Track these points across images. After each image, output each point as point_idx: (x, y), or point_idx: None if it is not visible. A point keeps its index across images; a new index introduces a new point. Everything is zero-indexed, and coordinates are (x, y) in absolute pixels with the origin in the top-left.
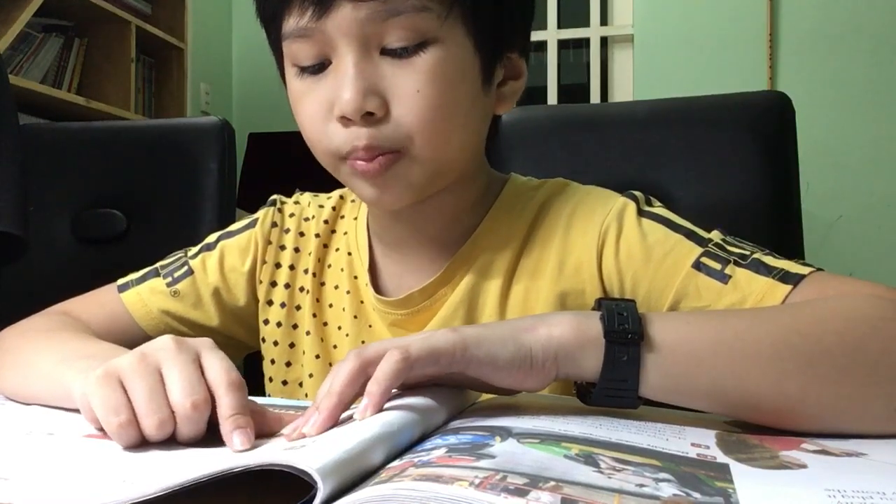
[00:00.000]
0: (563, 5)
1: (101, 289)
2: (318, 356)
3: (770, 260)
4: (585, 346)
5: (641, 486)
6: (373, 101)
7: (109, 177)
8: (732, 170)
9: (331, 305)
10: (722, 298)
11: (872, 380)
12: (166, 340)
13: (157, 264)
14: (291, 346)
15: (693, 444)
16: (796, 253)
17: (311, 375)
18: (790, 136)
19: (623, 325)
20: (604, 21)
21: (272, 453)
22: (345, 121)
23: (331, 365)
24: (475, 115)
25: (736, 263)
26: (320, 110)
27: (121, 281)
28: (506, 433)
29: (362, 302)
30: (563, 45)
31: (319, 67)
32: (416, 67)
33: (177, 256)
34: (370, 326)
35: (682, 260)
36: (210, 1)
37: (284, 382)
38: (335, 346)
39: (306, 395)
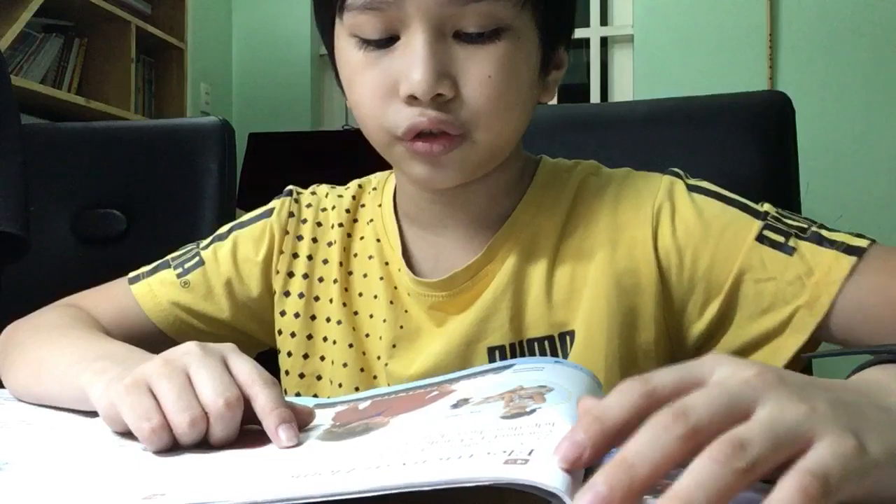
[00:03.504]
0: None
1: (112, 282)
2: (350, 345)
3: (826, 233)
4: None
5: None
6: (444, 84)
7: (109, 177)
8: (732, 170)
9: (360, 294)
10: (788, 269)
11: None
12: (190, 345)
13: (169, 256)
14: (309, 337)
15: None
16: None
17: (345, 364)
18: (790, 136)
19: None
20: (604, 21)
21: (500, 468)
22: (412, 100)
23: (364, 354)
24: (530, 102)
25: (797, 236)
26: (382, 86)
27: (132, 274)
28: None
29: (396, 288)
30: None
31: (385, 42)
32: (489, 53)
33: (188, 248)
34: (406, 311)
35: (743, 233)
36: (210, 1)
37: (301, 375)
38: (367, 335)
39: (331, 383)
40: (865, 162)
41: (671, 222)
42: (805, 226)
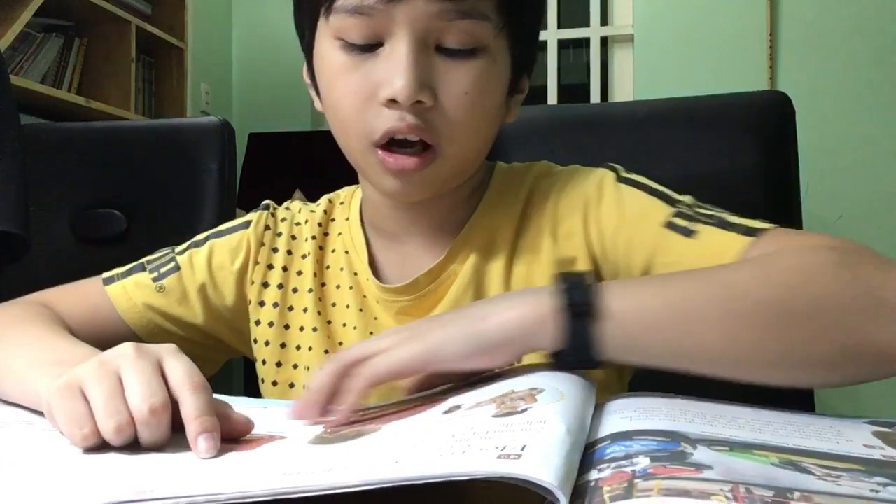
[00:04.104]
0: (563, 5)
1: (85, 280)
2: (326, 352)
3: (735, 219)
4: (542, 324)
5: (875, 491)
6: (425, 93)
7: (109, 177)
8: (732, 170)
9: (333, 304)
10: (687, 252)
11: (815, 325)
12: (125, 347)
13: (144, 259)
14: (283, 346)
15: (866, 446)
16: None
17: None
18: (790, 136)
19: (575, 299)
20: (604, 21)
21: (493, 463)
22: (391, 103)
23: None
24: (497, 121)
25: (703, 222)
26: (363, 90)
27: (106, 274)
28: (684, 438)
29: (365, 296)
30: (563, 45)
31: (369, 47)
32: (467, 70)
33: (164, 252)
34: (375, 319)
35: (652, 219)
36: (210, 1)
37: (274, 383)
38: (340, 343)
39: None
40: (865, 162)
41: (597, 211)
42: (715, 213)
